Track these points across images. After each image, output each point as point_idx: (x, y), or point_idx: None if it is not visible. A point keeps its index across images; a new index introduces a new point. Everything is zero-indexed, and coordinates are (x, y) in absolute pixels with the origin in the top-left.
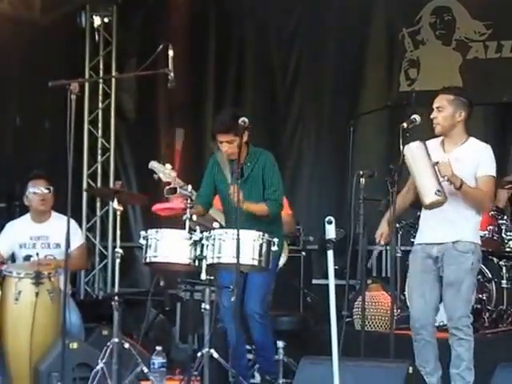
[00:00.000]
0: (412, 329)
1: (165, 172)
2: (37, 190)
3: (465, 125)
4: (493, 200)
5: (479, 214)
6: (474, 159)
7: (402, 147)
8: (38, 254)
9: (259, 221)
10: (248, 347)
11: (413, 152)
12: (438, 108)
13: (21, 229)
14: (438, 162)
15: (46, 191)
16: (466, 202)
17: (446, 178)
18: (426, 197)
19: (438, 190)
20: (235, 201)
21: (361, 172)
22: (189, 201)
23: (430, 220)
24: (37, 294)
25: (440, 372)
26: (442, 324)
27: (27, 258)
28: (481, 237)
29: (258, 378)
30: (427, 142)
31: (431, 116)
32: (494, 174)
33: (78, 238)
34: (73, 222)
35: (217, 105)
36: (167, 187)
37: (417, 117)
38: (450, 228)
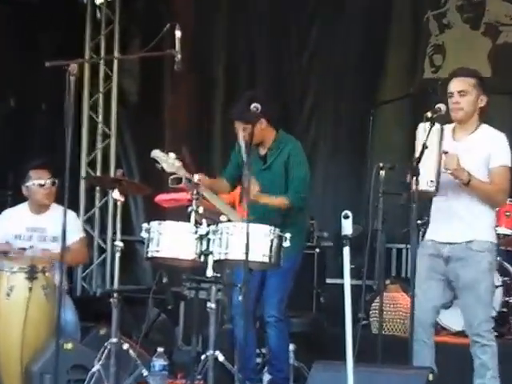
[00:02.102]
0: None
1: (168, 162)
2: (42, 183)
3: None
4: (508, 192)
5: (493, 209)
6: (486, 149)
7: (425, 138)
8: (31, 247)
9: (274, 212)
10: (258, 351)
11: (427, 133)
12: (460, 92)
13: (17, 219)
14: (447, 152)
15: (52, 184)
16: (476, 197)
17: (448, 170)
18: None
19: (431, 181)
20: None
21: (381, 164)
22: (195, 191)
23: (441, 214)
24: (30, 289)
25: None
26: (461, 330)
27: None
28: (506, 235)
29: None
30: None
31: (453, 101)
32: (509, 163)
33: (76, 232)
34: (72, 214)
35: (228, 91)
36: (172, 177)
37: (442, 106)
38: (463, 226)
